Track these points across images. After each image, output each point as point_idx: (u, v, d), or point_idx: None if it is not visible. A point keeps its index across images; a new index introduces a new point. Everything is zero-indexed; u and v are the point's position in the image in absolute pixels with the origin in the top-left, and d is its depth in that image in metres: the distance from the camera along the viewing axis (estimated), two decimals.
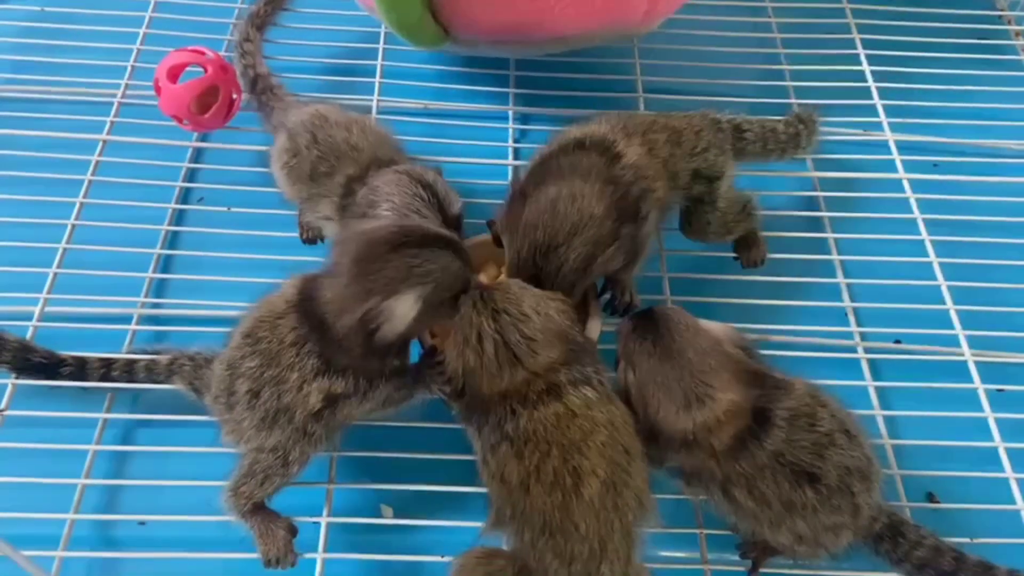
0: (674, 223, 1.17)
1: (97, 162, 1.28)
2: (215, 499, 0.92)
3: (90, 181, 1.26)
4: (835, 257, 1.26)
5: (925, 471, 1.07)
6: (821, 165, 1.36)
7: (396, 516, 1.04)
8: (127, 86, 1.37)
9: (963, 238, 1.26)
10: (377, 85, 1.40)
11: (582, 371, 0.86)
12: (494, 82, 1.45)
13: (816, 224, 1.30)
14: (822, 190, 1.33)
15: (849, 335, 1.18)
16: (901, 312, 1.19)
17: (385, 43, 1.46)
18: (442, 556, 0.96)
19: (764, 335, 1.15)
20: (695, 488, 0.91)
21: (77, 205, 1.22)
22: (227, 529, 0.93)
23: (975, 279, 1.21)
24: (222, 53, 1.30)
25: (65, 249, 1.18)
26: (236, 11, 1.49)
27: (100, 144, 1.30)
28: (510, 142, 1.37)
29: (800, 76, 1.46)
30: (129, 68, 1.40)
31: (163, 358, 1.04)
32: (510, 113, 1.41)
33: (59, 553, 0.96)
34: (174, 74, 1.23)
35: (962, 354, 1.15)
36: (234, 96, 1.27)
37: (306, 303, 0.88)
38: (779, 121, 1.22)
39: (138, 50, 1.42)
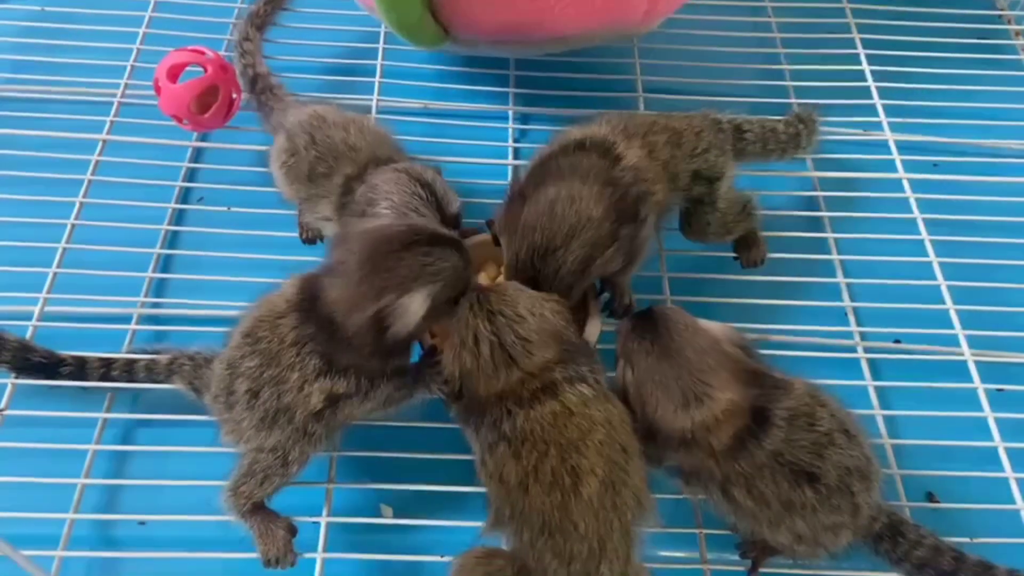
0: (674, 223, 1.17)
1: (97, 162, 1.28)
2: (215, 499, 0.92)
3: (90, 181, 1.26)
4: (835, 257, 1.26)
5: (925, 471, 1.07)
6: (821, 165, 1.36)
7: (396, 516, 1.04)
8: (127, 86, 1.37)
9: (963, 238, 1.26)
10: (377, 85, 1.40)
11: (577, 369, 0.86)
12: (494, 82, 1.45)
13: (816, 224, 1.30)
14: (822, 190, 1.33)
15: (849, 335, 1.18)
16: (901, 312, 1.19)
17: (385, 43, 1.46)
18: (442, 556, 0.96)
19: (764, 335, 1.15)
20: (694, 488, 0.91)
21: (77, 205, 1.23)
22: (227, 529, 0.93)
23: (975, 279, 1.21)
24: (222, 53, 1.30)
25: (65, 249, 1.18)
26: (236, 11, 1.49)
27: (100, 144, 1.30)
28: (510, 142, 1.37)
29: (800, 76, 1.46)
30: (129, 68, 1.40)
31: (163, 358, 1.04)
32: (510, 113, 1.41)
33: (59, 553, 0.96)
34: (174, 74, 1.23)
35: (962, 354, 1.15)
36: (234, 96, 1.27)
37: (309, 303, 0.88)
38: (779, 121, 1.22)
39: (138, 50, 1.42)
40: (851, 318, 1.20)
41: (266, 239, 1.20)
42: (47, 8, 1.53)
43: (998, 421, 1.09)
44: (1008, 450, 1.07)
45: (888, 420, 1.09)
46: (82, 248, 1.19)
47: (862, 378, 1.14)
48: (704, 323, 0.90)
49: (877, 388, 1.13)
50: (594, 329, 1.03)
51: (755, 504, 0.86)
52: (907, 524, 0.94)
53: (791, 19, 1.55)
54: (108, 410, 1.08)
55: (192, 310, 1.17)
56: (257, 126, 1.30)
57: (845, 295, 1.22)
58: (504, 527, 0.85)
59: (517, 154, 1.36)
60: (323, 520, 0.98)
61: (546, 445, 0.82)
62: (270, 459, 0.90)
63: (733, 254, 1.22)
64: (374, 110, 1.36)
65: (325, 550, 0.96)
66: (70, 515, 0.99)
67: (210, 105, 1.24)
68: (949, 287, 1.21)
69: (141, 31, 1.45)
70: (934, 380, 1.13)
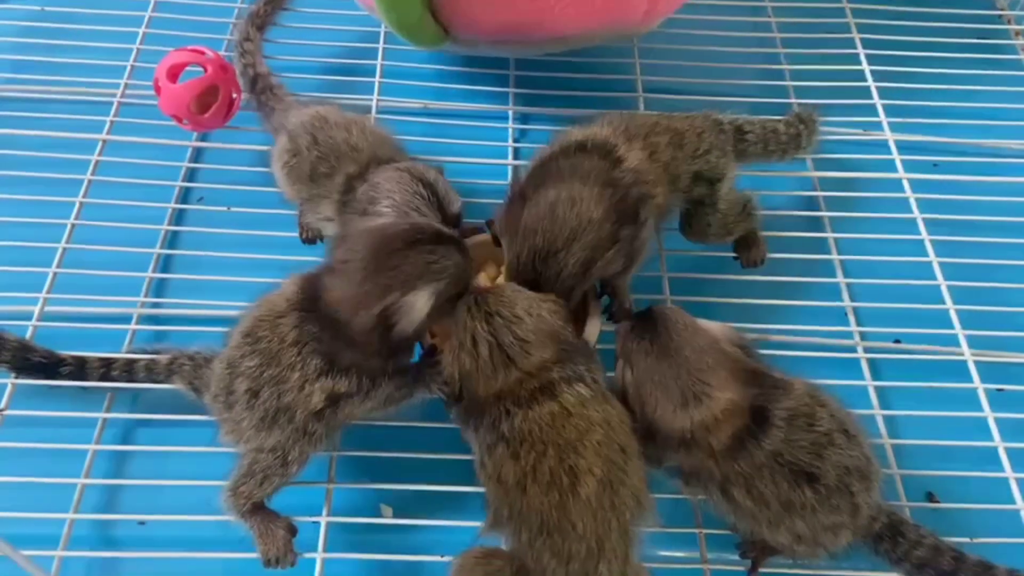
0: (674, 223, 1.17)
1: (97, 162, 1.28)
2: (215, 499, 0.92)
3: (90, 181, 1.26)
4: (835, 257, 1.26)
5: (925, 471, 1.07)
6: (821, 165, 1.36)
7: (396, 516, 1.04)
8: (127, 86, 1.37)
9: (963, 238, 1.26)
10: (377, 85, 1.40)
11: (575, 369, 0.86)
12: (494, 82, 1.45)
13: (816, 224, 1.30)
14: (822, 190, 1.33)
15: (849, 335, 1.18)
16: (901, 312, 1.19)
17: (385, 43, 1.46)
18: (442, 556, 0.96)
19: (764, 335, 1.15)
20: (694, 488, 0.91)
21: (77, 205, 1.23)
22: (227, 529, 0.93)
23: (975, 279, 1.21)
24: (222, 53, 1.30)
25: (65, 249, 1.18)
26: (236, 11, 1.49)
27: (100, 144, 1.30)
28: (510, 142, 1.37)
29: (800, 76, 1.46)
30: (129, 68, 1.40)
31: (163, 358, 1.04)
32: (510, 113, 1.41)
33: (59, 553, 0.96)
34: (174, 74, 1.23)
35: (962, 354, 1.15)
36: (234, 96, 1.27)
37: (310, 302, 0.88)
38: (780, 121, 1.22)
39: (138, 50, 1.42)
40: (851, 318, 1.20)
41: (266, 239, 1.20)
42: (47, 8, 1.53)
43: (998, 421, 1.09)
44: (1008, 450, 1.07)
45: (888, 420, 1.09)
46: (82, 248, 1.19)
47: (862, 378, 1.14)
48: (703, 323, 0.90)
49: (877, 388, 1.13)
50: (594, 329, 1.03)
51: (754, 504, 0.86)
52: (907, 524, 0.94)
53: (791, 19, 1.55)
54: (108, 410, 1.08)
55: (192, 310, 1.17)
56: (257, 126, 1.30)
57: (845, 295, 1.22)
58: (503, 527, 0.85)
59: (517, 154, 1.36)
60: (323, 520, 0.98)
61: (544, 445, 0.82)
62: (270, 459, 0.90)
63: (733, 254, 1.22)
64: (374, 110, 1.36)
65: (325, 550, 0.96)
66: (70, 515, 0.99)
67: (210, 105, 1.24)
68: (949, 287, 1.21)
69: (141, 31, 1.45)
70: (934, 380, 1.13)
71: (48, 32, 1.49)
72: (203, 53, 1.25)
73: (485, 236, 1.09)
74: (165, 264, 1.24)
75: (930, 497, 1.07)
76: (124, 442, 1.09)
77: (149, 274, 1.21)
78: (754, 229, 1.19)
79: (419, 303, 0.86)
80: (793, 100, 1.41)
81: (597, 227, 0.95)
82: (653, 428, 0.86)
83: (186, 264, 1.24)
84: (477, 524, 0.88)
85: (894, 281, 1.21)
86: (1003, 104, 1.44)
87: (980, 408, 1.11)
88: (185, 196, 1.31)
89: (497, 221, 1.02)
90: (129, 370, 1.05)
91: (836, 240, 1.28)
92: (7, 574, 0.93)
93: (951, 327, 1.17)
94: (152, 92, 1.25)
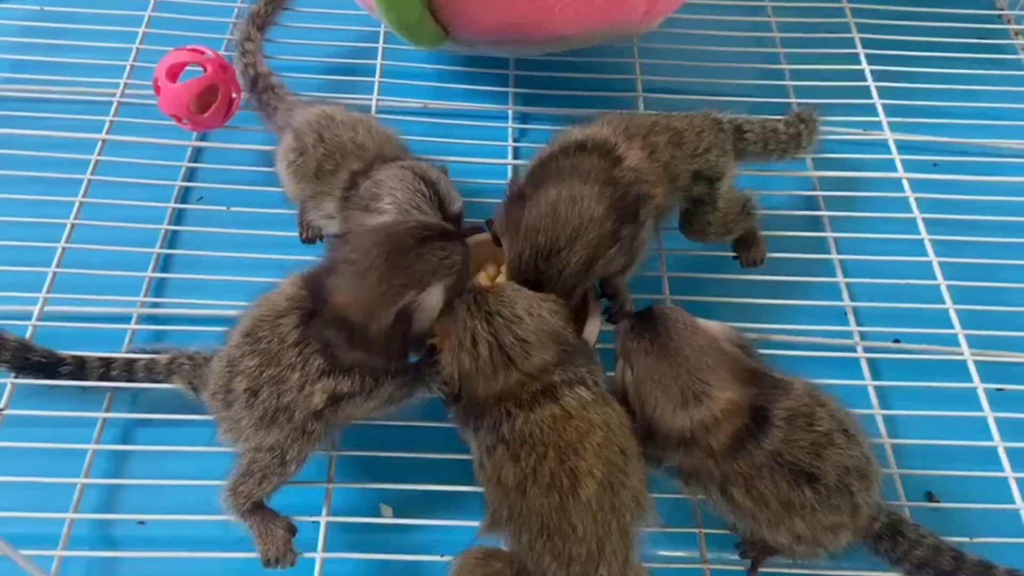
0: (674, 223, 1.17)
1: (96, 161, 1.28)
2: (214, 498, 0.92)
3: (89, 180, 1.26)
4: (835, 256, 1.26)
5: (924, 470, 1.07)
6: (821, 164, 1.36)
7: (395, 515, 1.04)
8: (126, 85, 1.37)
9: (963, 238, 1.26)
10: (377, 84, 1.41)
11: (576, 371, 0.86)
12: (494, 81, 1.45)
13: (816, 223, 1.30)
14: (822, 189, 1.33)
15: (848, 334, 1.18)
16: (900, 311, 1.19)
17: (385, 43, 1.46)
18: (441, 556, 0.96)
19: (763, 334, 1.15)
20: (693, 488, 0.91)
21: (76, 204, 1.22)
22: (226, 528, 0.93)
23: (975, 279, 1.21)
24: (222, 53, 1.30)
25: (64, 248, 1.18)
26: (236, 11, 1.49)
27: (99, 143, 1.30)
28: (510, 141, 1.37)
29: (800, 76, 1.46)
30: (128, 67, 1.40)
31: (162, 357, 1.04)
32: (510, 112, 1.41)
33: (58, 552, 0.96)
34: (173, 73, 1.23)
35: (961, 353, 1.15)
36: (233, 95, 1.27)
37: (312, 302, 0.88)
38: (780, 121, 1.22)
39: (137, 49, 1.42)
40: (851, 318, 1.20)
41: (266, 239, 1.20)
42: (46, 8, 1.53)
43: (998, 421, 1.09)
44: (1008, 450, 1.07)
45: (888, 420, 1.09)
46: (82, 248, 1.19)
47: (862, 378, 1.14)
48: (703, 322, 0.90)
49: (877, 388, 1.13)
50: (594, 328, 1.03)
51: (754, 504, 0.86)
52: (907, 524, 0.94)
53: (791, 19, 1.55)
54: (107, 410, 1.08)
55: (192, 310, 1.17)
56: (257, 125, 1.30)
57: (845, 295, 1.22)
58: (501, 529, 0.85)
59: (517, 154, 1.36)
60: (323, 520, 0.98)
61: (544, 447, 0.82)
62: (268, 458, 0.90)
63: (733, 254, 1.22)
64: (374, 110, 1.36)
65: (325, 550, 0.96)
66: (70, 515, 0.99)
67: (209, 104, 1.24)
68: (949, 287, 1.21)
69: (141, 31, 1.45)
70: (934, 380, 1.13)
71: (48, 32, 1.49)
72: (203, 53, 1.25)
73: (485, 236, 1.09)
74: (165, 264, 1.24)
75: (930, 497, 1.07)
76: (124, 442, 1.09)
77: (149, 274, 1.21)
78: (754, 228, 1.19)
79: (434, 299, 0.88)
80: (793, 100, 1.41)
81: (598, 226, 0.95)
82: (653, 428, 0.86)
83: (186, 264, 1.24)
84: (477, 524, 0.88)
85: (894, 281, 1.21)
86: (1003, 104, 1.44)
87: (980, 408, 1.11)
88: (185, 196, 1.31)
89: (497, 221, 1.02)
90: (129, 370, 1.05)
91: (836, 240, 1.28)
92: (7, 574, 0.93)
93: (951, 327, 1.17)
94: (152, 92, 1.25)
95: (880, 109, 1.42)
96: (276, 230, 1.21)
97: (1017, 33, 1.59)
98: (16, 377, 1.05)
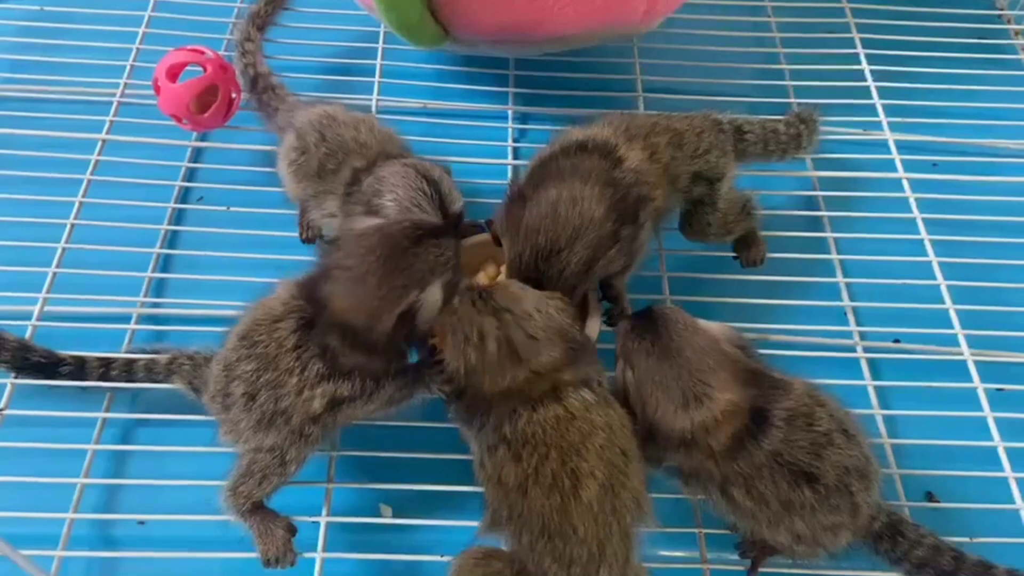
0: (674, 223, 1.17)
1: (96, 161, 1.28)
2: (214, 498, 0.92)
3: (89, 180, 1.25)
4: (834, 256, 1.26)
5: (924, 470, 1.07)
6: (821, 165, 1.36)
7: (395, 516, 1.04)
8: (126, 85, 1.37)
9: (963, 238, 1.26)
10: (377, 85, 1.41)
11: (583, 372, 0.86)
12: (494, 82, 1.45)
13: (815, 224, 1.30)
14: (822, 190, 1.33)
15: (848, 334, 1.18)
16: (900, 311, 1.19)
17: (385, 43, 1.46)
18: (441, 556, 0.96)
19: (763, 334, 1.15)
20: (693, 488, 0.91)
21: (76, 204, 1.22)
22: (226, 528, 0.93)
23: (975, 279, 1.21)
24: (222, 53, 1.30)
25: (64, 249, 1.18)
26: (236, 11, 1.49)
27: (99, 143, 1.30)
28: (509, 142, 1.37)
29: (800, 76, 1.46)
30: (128, 67, 1.40)
31: (162, 357, 1.04)
32: (509, 112, 1.41)
33: (58, 553, 0.96)
34: (173, 73, 1.23)
35: (961, 353, 1.15)
36: (233, 95, 1.27)
37: (310, 306, 0.88)
38: (780, 121, 1.22)
39: (137, 49, 1.42)
40: (850, 318, 1.20)
41: (266, 239, 1.20)
42: (46, 8, 1.53)
43: (998, 421, 1.09)
44: (1008, 450, 1.07)
45: (888, 420, 1.09)
46: (82, 248, 1.19)
47: (862, 378, 1.14)
48: (703, 323, 0.90)
49: (877, 388, 1.13)
50: (594, 326, 1.03)
51: (754, 504, 0.86)
52: (906, 524, 0.94)
53: (791, 19, 1.55)
54: (107, 410, 1.08)
55: (191, 310, 1.17)
56: (257, 125, 1.30)
57: (844, 295, 1.22)
58: (501, 529, 0.85)
59: (517, 154, 1.36)
60: (323, 520, 0.98)
61: (547, 448, 0.82)
62: (268, 459, 0.90)
63: (733, 254, 1.22)
64: (374, 110, 1.36)
65: (325, 550, 0.96)
66: (69, 515, 0.99)
67: (209, 105, 1.24)
68: (949, 287, 1.21)
69: (140, 31, 1.45)
70: (934, 380, 1.13)
71: (47, 32, 1.48)
72: (203, 53, 1.25)
73: (485, 236, 1.09)
74: (164, 264, 1.24)
75: (930, 497, 1.07)
76: (123, 442, 1.09)
77: (148, 274, 1.21)
78: (754, 229, 1.19)
79: (434, 297, 0.88)
80: (793, 100, 1.41)
81: (599, 226, 0.95)
82: (653, 428, 0.86)
83: (185, 264, 1.24)
84: (476, 524, 0.88)
85: (893, 281, 1.21)
86: (1003, 104, 1.44)
87: (980, 408, 1.11)
88: (185, 196, 1.31)
89: (497, 221, 1.02)
90: (128, 370, 1.05)
91: (836, 240, 1.28)
92: (7, 574, 0.93)
93: (951, 327, 1.17)
94: (151, 92, 1.24)
95: (880, 109, 1.42)
96: (276, 230, 1.21)
97: (1017, 33, 1.59)
98: (16, 377, 1.05)
